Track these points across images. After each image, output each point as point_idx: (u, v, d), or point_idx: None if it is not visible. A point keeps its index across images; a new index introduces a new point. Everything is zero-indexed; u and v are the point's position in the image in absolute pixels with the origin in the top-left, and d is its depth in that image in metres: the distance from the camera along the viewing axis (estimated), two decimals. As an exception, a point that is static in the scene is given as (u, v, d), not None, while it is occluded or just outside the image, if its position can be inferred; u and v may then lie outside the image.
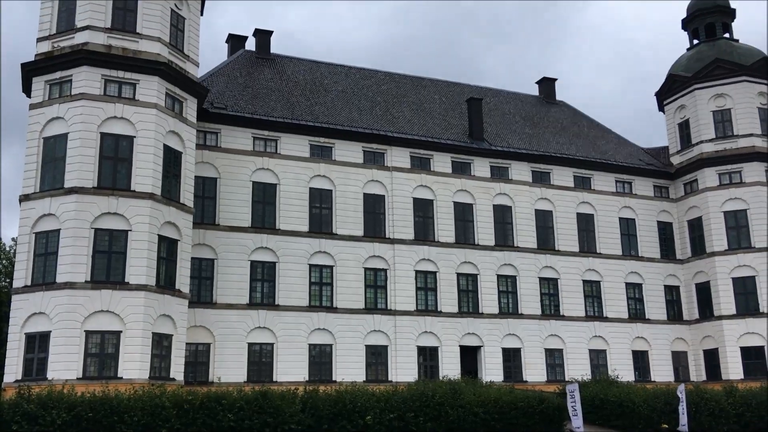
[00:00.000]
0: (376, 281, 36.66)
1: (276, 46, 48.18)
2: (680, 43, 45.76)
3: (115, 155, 28.78)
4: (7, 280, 39.87)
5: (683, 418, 26.08)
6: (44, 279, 27.20)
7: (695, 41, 47.04)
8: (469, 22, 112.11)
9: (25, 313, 26.96)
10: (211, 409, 20.54)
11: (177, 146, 30.90)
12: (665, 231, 43.77)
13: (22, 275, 27.65)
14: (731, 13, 46.59)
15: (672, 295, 42.88)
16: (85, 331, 26.58)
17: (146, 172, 28.90)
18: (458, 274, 38.31)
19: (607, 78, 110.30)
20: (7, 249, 41.62)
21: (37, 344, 26.49)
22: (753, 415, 28.07)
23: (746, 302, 39.95)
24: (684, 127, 44.57)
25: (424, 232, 38.20)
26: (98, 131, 28.64)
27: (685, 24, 47.67)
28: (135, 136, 29.17)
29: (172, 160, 30.49)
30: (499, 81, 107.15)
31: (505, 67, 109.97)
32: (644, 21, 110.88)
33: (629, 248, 42.53)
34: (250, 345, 33.29)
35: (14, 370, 26.51)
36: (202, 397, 20.68)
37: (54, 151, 28.62)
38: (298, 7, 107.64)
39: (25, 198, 28.57)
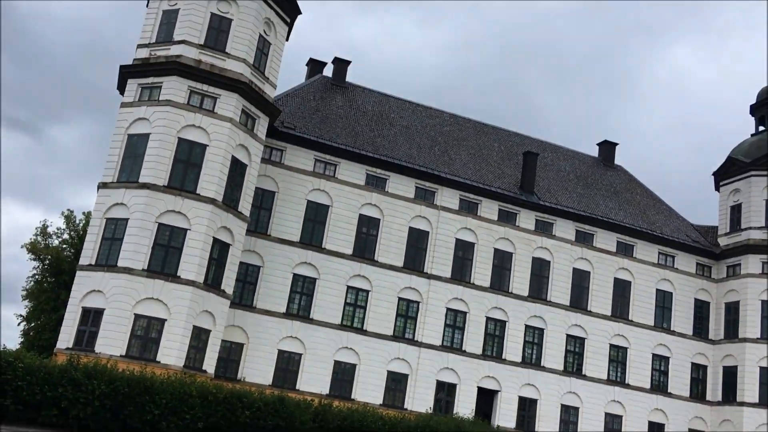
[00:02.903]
0: (407, 312, 38.40)
1: (352, 73, 50.82)
2: (750, 123, 46.25)
3: (188, 160, 31.65)
4: (71, 251, 43.09)
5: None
6: (107, 261, 30.14)
7: (761, 128, 47.33)
8: (537, 60, 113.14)
9: (85, 288, 29.91)
10: (232, 405, 22.58)
11: (244, 159, 33.62)
12: (701, 309, 44.01)
13: (88, 254, 30.68)
14: (800, 105, 46.76)
15: (698, 373, 43.05)
16: (134, 314, 29.32)
17: (212, 179, 31.65)
18: (488, 318, 39.67)
19: (672, 142, 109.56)
20: (77, 222, 45.04)
21: (91, 319, 29.35)
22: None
23: (770, 394, 39.86)
24: (736, 211, 44.88)
25: (461, 273, 39.76)
26: (176, 136, 31.60)
27: (753, 109, 48.03)
28: (208, 145, 32.00)
29: (237, 171, 33.19)
30: (559, 127, 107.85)
31: (566, 112, 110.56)
32: (721, 90, 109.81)
33: (662, 320, 42.99)
34: (280, 351, 35.47)
35: (67, 338, 29.41)
36: (225, 392, 22.75)
37: (135, 148, 31.70)
38: (372, 29, 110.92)
39: (103, 186, 31.70)
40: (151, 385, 21.75)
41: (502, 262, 40.80)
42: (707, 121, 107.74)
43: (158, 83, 32.35)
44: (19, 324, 45.08)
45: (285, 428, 23.09)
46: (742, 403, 40.49)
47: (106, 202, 31.12)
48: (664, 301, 43.33)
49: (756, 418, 39.87)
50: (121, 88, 33.95)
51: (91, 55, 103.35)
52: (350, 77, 46.23)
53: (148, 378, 22.02)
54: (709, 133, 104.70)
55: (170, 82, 32.11)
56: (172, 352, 29.29)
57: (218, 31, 33.24)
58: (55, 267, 42.55)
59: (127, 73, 33.24)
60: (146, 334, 29.38)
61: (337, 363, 36.32)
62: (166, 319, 29.63)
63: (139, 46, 33.72)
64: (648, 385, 41.73)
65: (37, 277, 44.14)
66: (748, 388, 40.47)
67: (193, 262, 30.53)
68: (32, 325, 44.44)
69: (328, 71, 46.18)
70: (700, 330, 43.63)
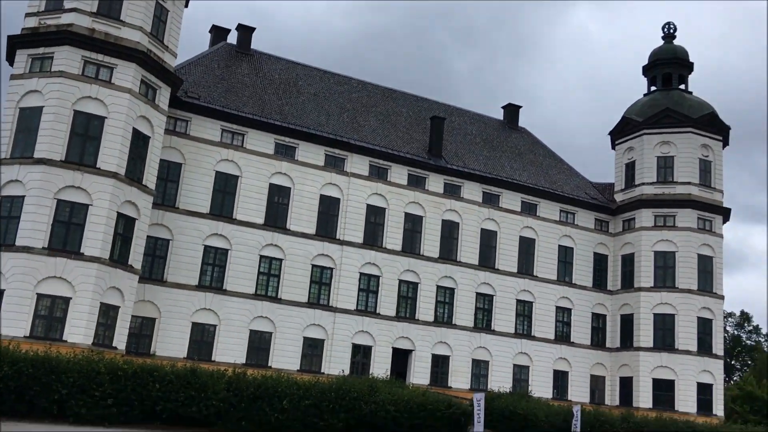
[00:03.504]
0: (321, 278, 38.87)
1: (258, 40, 50.04)
2: (643, 84, 48.79)
3: (86, 133, 30.61)
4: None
5: (575, 435, 28.76)
6: (4, 240, 28.97)
7: (652, 88, 49.97)
8: (444, 22, 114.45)
9: (-18, 270, 28.70)
10: (143, 379, 22.53)
11: (146, 131, 32.80)
12: (600, 262, 46.64)
13: (-17, 235, 29.37)
14: (689, 66, 49.56)
15: (599, 322, 45.80)
16: (37, 293, 28.46)
17: (113, 152, 30.79)
18: (400, 281, 40.68)
19: (573, 103, 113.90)
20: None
21: (-10, 301, 28.26)
22: (643, 440, 30.85)
23: (663, 337, 42.95)
24: (630, 168, 47.49)
25: (373, 238, 40.48)
26: (72, 108, 30.46)
27: (645, 70, 50.56)
28: (106, 117, 31.03)
29: (139, 143, 32.38)
30: (468, 91, 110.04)
31: (474, 75, 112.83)
32: (619, 51, 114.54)
33: (564, 274, 45.32)
34: (194, 324, 35.30)
35: (-34, 322, 28.25)
36: (135, 367, 22.67)
37: (28, 122, 30.36)
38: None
39: (-5, 162, 30.28)
40: (56, 364, 21.47)
41: (413, 225, 41.77)
42: (606, 82, 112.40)
43: (50, 53, 30.96)
44: None
45: (198, 399, 23.24)
46: (638, 348, 43.45)
47: (0, 179, 29.78)
48: (566, 257, 45.63)
49: (650, 361, 42.91)
50: (10, 59, 32.28)
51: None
52: (255, 44, 45.60)
53: (54, 358, 21.70)
54: (608, 94, 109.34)
55: (62, 52, 30.79)
56: (79, 331, 28.69)
57: (112, -2, 32.00)
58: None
59: (15, 43, 31.61)
60: (51, 313, 28.61)
61: (252, 332, 36.50)
62: (71, 298, 28.92)
63: (28, 14, 32.06)
64: (552, 336, 44.09)
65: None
66: (644, 333, 43.42)
67: (96, 238, 29.80)
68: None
69: (232, 38, 45.34)
70: (600, 282, 46.29)
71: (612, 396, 44.50)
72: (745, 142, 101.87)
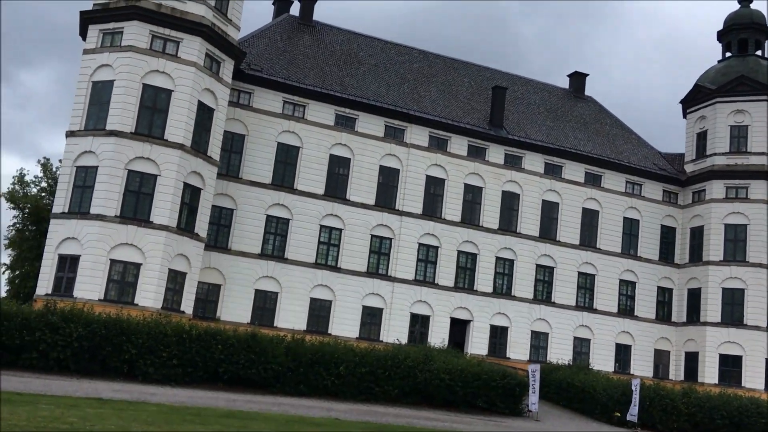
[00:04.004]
0: (380, 248, 39.37)
1: (319, 11, 50.33)
2: (718, 50, 46.78)
3: (154, 105, 31.77)
4: (50, 198, 43.42)
5: (633, 409, 28.45)
6: (80, 209, 30.61)
7: (727, 54, 47.74)
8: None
9: (60, 236, 30.47)
10: (206, 342, 23.67)
11: (211, 103, 33.76)
12: (668, 235, 45.39)
13: (61, 203, 31.12)
14: (766, 31, 47.05)
15: (664, 296, 44.74)
16: (110, 259, 30.01)
17: (179, 124, 31.88)
18: (459, 252, 40.76)
19: (647, 68, 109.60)
20: (54, 170, 45.19)
21: (68, 265, 30.03)
22: (704, 416, 30.17)
23: (732, 312, 41.66)
24: (702, 138, 45.75)
25: (432, 209, 40.60)
26: (141, 82, 31.61)
27: (720, 36, 48.31)
28: (173, 90, 32.07)
29: (204, 115, 33.37)
30: (535, 59, 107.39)
31: (542, 42, 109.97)
32: (695, 14, 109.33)
33: (629, 247, 44.35)
34: (257, 291, 36.46)
35: (45, 285, 30.15)
36: (199, 331, 23.81)
37: (100, 95, 31.72)
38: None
39: (70, 134, 31.86)
40: (127, 326, 22.75)
41: (473, 196, 41.64)
42: (682, 48, 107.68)
43: (119, 29, 32.14)
44: (4, 272, 45.76)
45: (258, 363, 24.25)
46: (705, 323, 42.30)
47: (75, 150, 31.35)
48: (631, 229, 44.59)
49: (717, 336, 41.74)
50: (83, 34, 33.66)
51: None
52: (317, 15, 46.07)
53: (124, 320, 22.98)
54: (683, 61, 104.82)
55: (131, 27, 31.89)
56: (149, 295, 30.15)
57: (177, -26, 32.79)
58: (35, 215, 42.84)
59: (88, 18, 32.91)
60: (123, 278, 30.15)
61: (313, 300, 37.43)
62: (141, 264, 30.37)
63: (99, -9, 33.26)
64: (615, 309, 43.39)
65: (18, 225, 44.50)
66: (711, 308, 42.22)
67: (165, 207, 31.07)
68: (16, 273, 45.06)
69: (295, 10, 45.77)
70: (666, 255, 45.09)
71: (677, 371, 43.60)
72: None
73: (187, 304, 32.45)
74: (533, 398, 27.79)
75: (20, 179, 44.75)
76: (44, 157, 44.47)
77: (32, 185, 45.00)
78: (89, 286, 29.35)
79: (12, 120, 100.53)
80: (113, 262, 30.07)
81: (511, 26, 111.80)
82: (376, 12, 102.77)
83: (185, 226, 32.21)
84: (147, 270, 30.36)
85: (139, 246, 30.41)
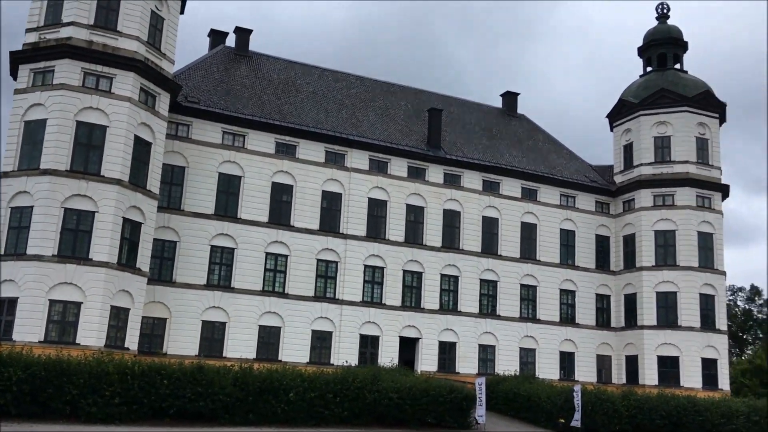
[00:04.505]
0: (327, 272, 39.78)
1: (256, 41, 50.79)
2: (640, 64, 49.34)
3: (89, 142, 31.63)
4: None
5: (576, 415, 29.45)
6: (16, 250, 30.12)
7: (648, 68, 50.17)
8: (442, 10, 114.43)
9: (-3, 279, 29.89)
10: (151, 378, 23.53)
11: (147, 137, 33.77)
12: (603, 244, 47.16)
13: (-4, 245, 30.54)
14: (683, 45, 49.71)
15: (603, 303, 46.40)
16: (49, 299, 29.58)
17: (116, 160, 31.79)
18: (404, 271, 41.50)
19: (577, 84, 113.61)
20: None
21: (5, 308, 29.45)
22: (644, 418, 31.39)
23: (666, 315, 43.49)
24: (628, 149, 47.85)
25: (376, 230, 41.30)
26: (74, 119, 31.47)
27: (641, 52, 50.77)
28: (108, 126, 32.01)
29: (142, 149, 33.35)
30: (468, 79, 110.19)
31: (475, 62, 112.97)
32: (620, 31, 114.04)
33: (567, 257, 45.91)
34: (204, 322, 36.35)
35: (-17, 330, 29.48)
36: (143, 366, 23.66)
37: (33, 135, 31.42)
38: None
39: (4, 175, 31.40)
40: (67, 367, 22.45)
41: (415, 216, 42.53)
42: (608, 65, 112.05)
43: (51, 67, 31.97)
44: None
45: (205, 395, 24.21)
46: (642, 327, 44.01)
47: (9, 191, 30.89)
48: (567, 240, 46.18)
49: (654, 339, 43.48)
50: (14, 74, 33.32)
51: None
52: (253, 46, 46.45)
53: (65, 360, 22.67)
54: (609, 77, 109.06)
55: (63, 65, 31.77)
56: (91, 334, 29.80)
57: (108, 10, 32.89)
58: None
59: (18, 58, 32.63)
60: (63, 318, 29.74)
61: (261, 327, 37.50)
62: (82, 302, 30.02)
63: (28, 30, 33.03)
64: (557, 319, 44.76)
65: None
66: (647, 312, 43.97)
67: (104, 243, 30.86)
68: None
69: (231, 41, 46.18)
70: (602, 263, 46.83)
71: (619, 375, 45.13)
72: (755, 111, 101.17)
73: (132, 341, 32.14)
74: (480, 410, 28.46)
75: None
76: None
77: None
78: (29, 328, 28.87)
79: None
80: (52, 302, 29.66)
81: (447, 48, 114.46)
82: (312, 37, 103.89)
83: (126, 262, 32.01)
84: (88, 308, 30.03)
85: (79, 284, 30.08)
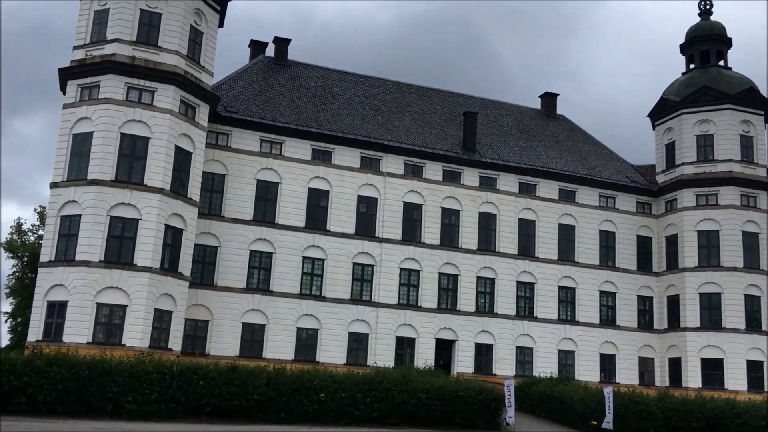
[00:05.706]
0: (363, 275, 40.53)
1: (295, 50, 52.00)
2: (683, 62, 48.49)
3: (132, 153, 33.22)
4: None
5: (608, 417, 29.34)
6: (65, 256, 31.90)
7: (691, 66, 49.27)
8: (483, 10, 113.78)
9: (48, 284, 31.72)
10: (188, 377, 24.72)
11: (188, 147, 35.21)
12: (644, 245, 46.51)
13: (47, 251, 32.43)
14: (727, 42, 48.64)
15: (645, 305, 45.75)
16: (96, 303, 31.22)
17: (158, 170, 33.29)
18: (440, 274, 41.90)
19: (620, 81, 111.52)
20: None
21: (56, 311, 31.23)
22: (680, 420, 31.02)
23: (710, 317, 42.65)
24: (670, 149, 47.09)
25: (411, 234, 41.84)
26: (119, 132, 33.10)
27: (683, 49, 49.88)
28: (150, 137, 33.54)
29: (182, 159, 34.80)
30: (511, 78, 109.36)
31: (519, 60, 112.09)
32: (665, 24, 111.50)
33: (606, 259, 45.46)
34: (244, 324, 37.55)
35: (36, 331, 31.33)
36: (181, 366, 24.87)
37: (81, 147, 33.19)
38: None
39: (54, 185, 33.27)
40: (109, 366, 23.83)
41: (450, 219, 42.88)
42: (654, 62, 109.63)
43: (96, 82, 33.69)
44: (6, 321, 46.95)
45: (239, 394, 25.28)
46: (685, 329, 43.26)
47: (59, 200, 32.73)
48: (607, 241, 45.73)
49: (698, 341, 42.67)
50: (63, 89, 35.23)
51: (44, 41, 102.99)
52: (292, 55, 47.61)
53: (107, 360, 24.08)
54: (655, 74, 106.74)
55: (107, 80, 33.45)
56: (136, 335, 31.29)
57: (149, 27, 34.47)
58: (33, 263, 44.14)
59: (66, 75, 34.50)
60: (110, 320, 31.33)
61: (299, 330, 38.49)
62: (127, 305, 31.56)
63: (75, 47, 34.90)
64: (597, 321, 44.38)
65: (17, 274, 45.81)
66: (690, 314, 43.20)
67: (147, 249, 32.35)
68: (18, 320, 46.23)
69: (270, 51, 47.47)
70: (644, 264, 46.18)
71: (662, 377, 44.45)
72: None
73: (175, 342, 33.55)
74: (509, 411, 28.71)
75: (18, 228, 46.20)
76: (41, 206, 45.91)
77: (30, 233, 46.45)
78: (77, 330, 30.53)
79: (9, 168, 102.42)
80: (99, 305, 31.28)
81: (489, 47, 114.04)
82: (352, 41, 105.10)
83: (169, 267, 33.45)
84: (132, 311, 31.55)
85: (124, 288, 31.63)
